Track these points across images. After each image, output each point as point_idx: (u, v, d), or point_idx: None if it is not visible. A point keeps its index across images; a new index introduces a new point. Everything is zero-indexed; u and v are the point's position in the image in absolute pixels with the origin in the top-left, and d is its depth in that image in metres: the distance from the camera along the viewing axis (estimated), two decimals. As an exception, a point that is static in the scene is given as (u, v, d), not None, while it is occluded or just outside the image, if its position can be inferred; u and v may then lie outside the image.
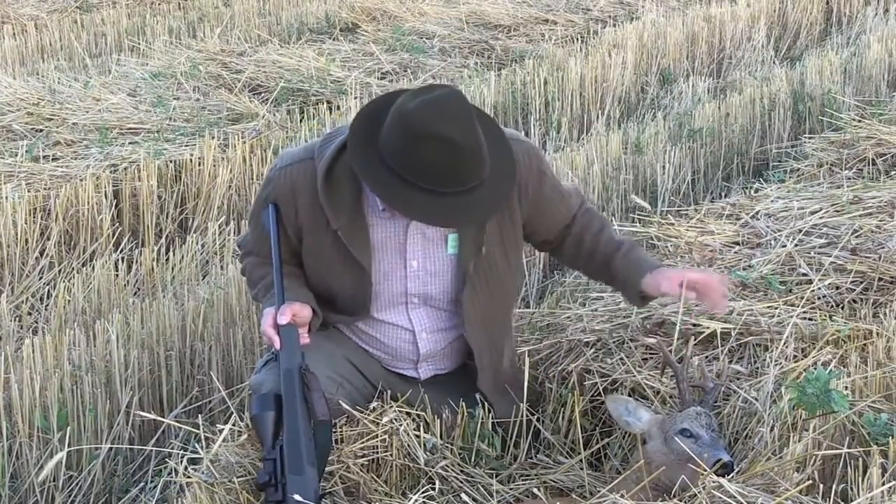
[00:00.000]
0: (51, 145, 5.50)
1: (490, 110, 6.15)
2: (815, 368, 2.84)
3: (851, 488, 2.58)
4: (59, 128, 5.69)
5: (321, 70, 6.72)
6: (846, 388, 2.87)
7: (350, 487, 2.82)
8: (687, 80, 6.89)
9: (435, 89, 2.68)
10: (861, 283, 3.59)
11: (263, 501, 2.59)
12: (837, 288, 3.57)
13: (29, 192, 4.88)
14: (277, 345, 2.72)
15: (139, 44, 7.87)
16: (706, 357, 3.18)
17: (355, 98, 6.24)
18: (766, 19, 7.95)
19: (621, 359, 3.20)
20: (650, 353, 3.22)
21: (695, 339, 3.19)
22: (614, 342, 3.28)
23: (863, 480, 2.56)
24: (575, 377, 3.19)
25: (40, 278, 4.53)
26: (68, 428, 3.28)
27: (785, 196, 4.45)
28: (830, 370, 2.77)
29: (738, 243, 4.01)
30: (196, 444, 2.82)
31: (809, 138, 5.53)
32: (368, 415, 2.89)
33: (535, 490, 2.76)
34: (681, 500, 2.51)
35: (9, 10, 9.17)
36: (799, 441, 2.67)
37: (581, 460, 2.92)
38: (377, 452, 2.86)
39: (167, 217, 5.10)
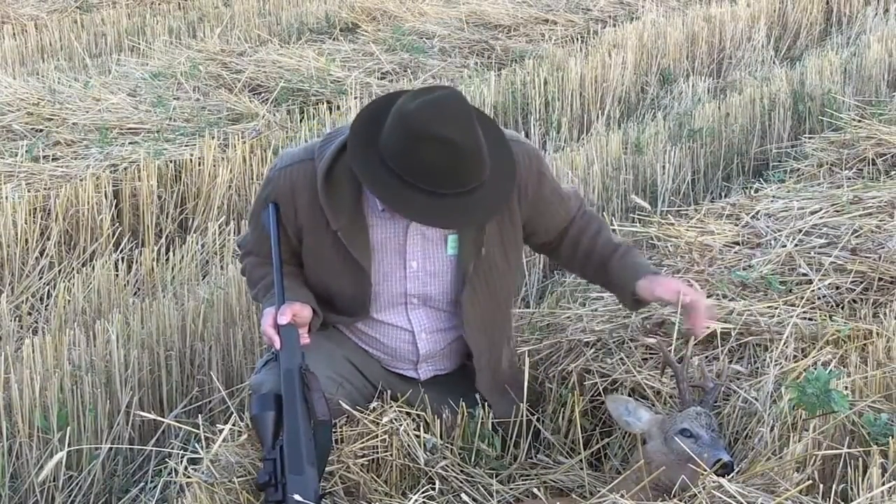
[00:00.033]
0: (51, 145, 5.50)
1: (490, 110, 6.16)
2: (815, 368, 2.84)
3: (851, 488, 2.58)
4: (59, 128, 5.69)
5: (321, 70, 6.72)
6: (846, 388, 2.87)
7: (350, 487, 2.82)
8: (687, 80, 6.89)
9: (435, 90, 2.68)
10: (861, 283, 3.59)
11: (263, 501, 2.59)
12: (837, 288, 3.57)
13: (29, 192, 4.88)
14: (277, 345, 2.72)
15: (139, 44, 7.87)
16: (706, 357, 3.18)
17: (355, 98, 6.24)
18: (766, 19, 7.96)
19: (621, 359, 3.19)
20: (650, 353, 3.22)
21: (695, 339, 3.19)
22: (614, 342, 3.28)
23: (863, 480, 2.56)
24: (575, 377, 3.19)
25: (40, 278, 4.53)
26: (68, 428, 3.28)
27: (785, 196, 4.45)
28: (830, 370, 2.77)
29: (738, 243, 4.01)
30: (196, 444, 2.82)
31: (809, 138, 5.53)
32: (368, 415, 2.89)
33: (535, 490, 2.76)
34: (681, 500, 2.51)
35: (9, 10, 9.17)
36: (799, 441, 2.67)
37: (581, 460, 2.92)
38: (377, 452, 2.86)
39: (167, 217, 5.10)
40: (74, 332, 3.76)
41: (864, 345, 3.20)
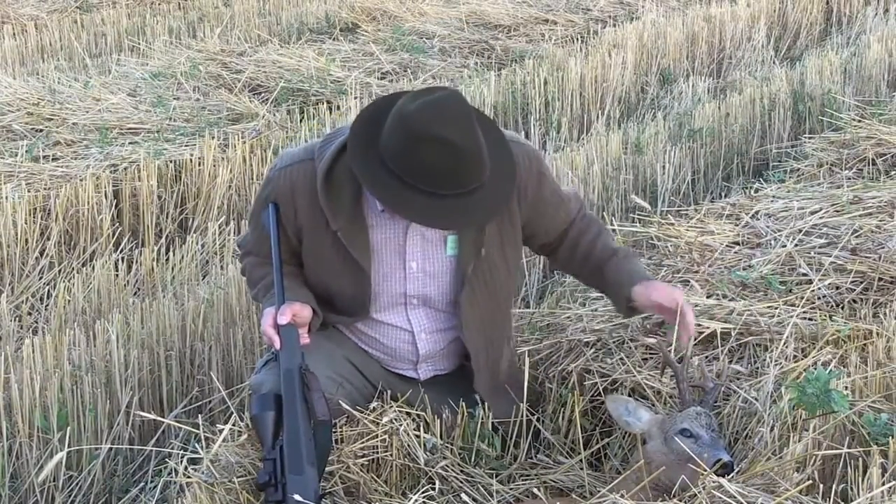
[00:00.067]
0: (51, 145, 5.50)
1: (490, 110, 6.16)
2: (815, 368, 2.84)
3: (851, 488, 2.58)
4: (59, 128, 5.69)
5: (321, 70, 6.72)
6: (846, 388, 2.87)
7: (350, 487, 2.82)
8: (687, 80, 6.89)
9: (435, 91, 2.68)
10: (861, 283, 3.59)
11: (263, 501, 2.59)
12: (837, 288, 3.57)
13: (29, 192, 4.88)
14: (277, 345, 2.72)
15: (139, 44, 7.87)
16: (706, 357, 3.18)
17: (355, 98, 6.24)
18: (766, 19, 7.96)
19: (621, 359, 3.19)
20: (650, 353, 3.22)
21: (695, 339, 3.19)
22: (614, 342, 3.28)
23: (863, 480, 2.56)
24: (575, 377, 3.19)
25: (40, 278, 4.53)
26: (68, 428, 3.28)
27: (785, 196, 4.45)
28: (830, 370, 2.77)
29: (738, 243, 4.01)
30: (196, 444, 2.82)
31: (809, 138, 5.53)
32: (368, 415, 2.89)
33: (535, 490, 2.76)
34: (681, 500, 2.51)
35: (9, 10, 9.17)
36: (799, 441, 2.67)
37: (581, 460, 2.92)
38: (377, 452, 2.86)
39: (167, 217, 5.10)
40: (74, 332, 3.76)
41: (864, 345, 3.20)
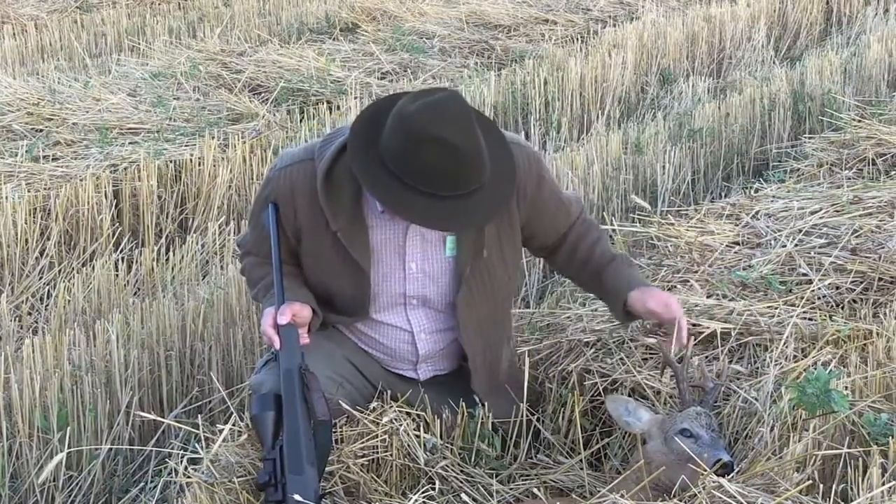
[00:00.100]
0: (51, 145, 5.50)
1: (490, 110, 6.16)
2: (815, 368, 2.84)
3: (851, 488, 2.58)
4: (59, 128, 5.69)
5: (321, 70, 6.72)
6: (846, 388, 2.87)
7: (350, 487, 2.82)
8: (687, 80, 6.89)
9: (435, 92, 2.68)
10: (861, 283, 3.59)
11: (263, 501, 2.59)
12: (837, 288, 3.57)
13: (29, 192, 4.89)
14: (277, 345, 2.72)
15: (139, 44, 7.87)
16: (706, 357, 3.18)
17: (355, 98, 6.24)
18: (766, 19, 7.96)
19: (621, 359, 3.20)
20: (650, 353, 3.22)
21: (695, 339, 3.19)
22: (614, 342, 3.28)
23: (863, 480, 2.56)
24: (575, 377, 3.19)
25: (40, 278, 4.53)
26: (68, 428, 3.28)
27: (785, 196, 4.45)
28: (830, 370, 2.77)
29: (738, 243, 4.01)
30: (196, 444, 2.82)
31: (809, 138, 5.53)
32: (368, 415, 2.89)
33: (535, 490, 2.76)
34: (681, 500, 2.51)
35: (9, 10, 9.17)
36: (799, 441, 2.67)
37: (581, 460, 2.92)
38: (377, 452, 2.86)
39: (167, 217, 5.10)
40: (74, 332, 3.76)
41: (864, 345, 3.20)
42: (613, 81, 6.61)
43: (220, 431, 2.77)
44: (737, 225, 4.14)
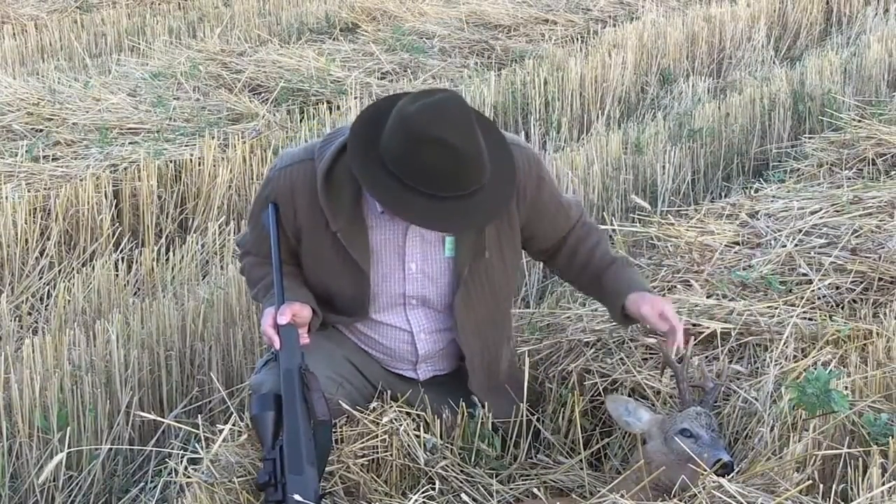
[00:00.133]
0: (51, 145, 5.50)
1: (490, 110, 6.16)
2: (815, 368, 2.84)
3: (851, 488, 2.58)
4: (59, 128, 5.70)
5: (321, 70, 6.72)
6: (846, 388, 2.87)
7: (350, 487, 2.82)
8: (687, 80, 6.89)
9: (435, 93, 2.68)
10: (861, 283, 3.59)
11: (263, 501, 2.59)
12: (837, 288, 3.57)
13: (29, 192, 4.89)
14: (277, 345, 2.72)
15: (139, 44, 7.87)
16: (706, 357, 3.18)
17: (355, 98, 6.24)
18: (766, 19, 7.96)
19: (621, 359, 3.20)
20: (650, 353, 3.23)
21: (695, 339, 3.19)
22: (614, 342, 3.28)
23: (863, 480, 2.56)
24: (575, 377, 3.19)
25: (40, 278, 4.53)
26: (68, 428, 3.28)
27: (785, 196, 4.45)
28: (830, 370, 2.77)
29: (738, 243, 4.01)
30: (196, 444, 2.82)
31: (809, 138, 5.53)
32: (368, 415, 2.89)
33: (535, 490, 2.76)
34: (681, 500, 2.51)
35: (9, 10, 9.17)
36: (799, 441, 2.67)
37: (581, 460, 2.92)
38: (377, 452, 2.86)
39: (167, 217, 5.10)
40: (74, 332, 3.76)
41: (864, 345, 3.20)
42: (613, 81, 6.61)
43: (220, 431, 2.77)
44: (737, 225, 4.14)
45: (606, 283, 3.02)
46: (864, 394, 2.94)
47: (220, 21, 8.61)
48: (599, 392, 3.13)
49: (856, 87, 6.63)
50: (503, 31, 7.95)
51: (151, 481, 3.28)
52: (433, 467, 2.84)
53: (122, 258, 4.59)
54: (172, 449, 2.95)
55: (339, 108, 6.15)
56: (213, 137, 5.45)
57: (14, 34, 8.51)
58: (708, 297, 3.49)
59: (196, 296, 4.08)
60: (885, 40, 7.05)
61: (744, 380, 3.06)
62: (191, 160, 5.25)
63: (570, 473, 2.92)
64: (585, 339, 3.32)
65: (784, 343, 3.16)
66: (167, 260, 4.57)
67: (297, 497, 2.50)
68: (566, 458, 3.01)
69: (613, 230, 4.25)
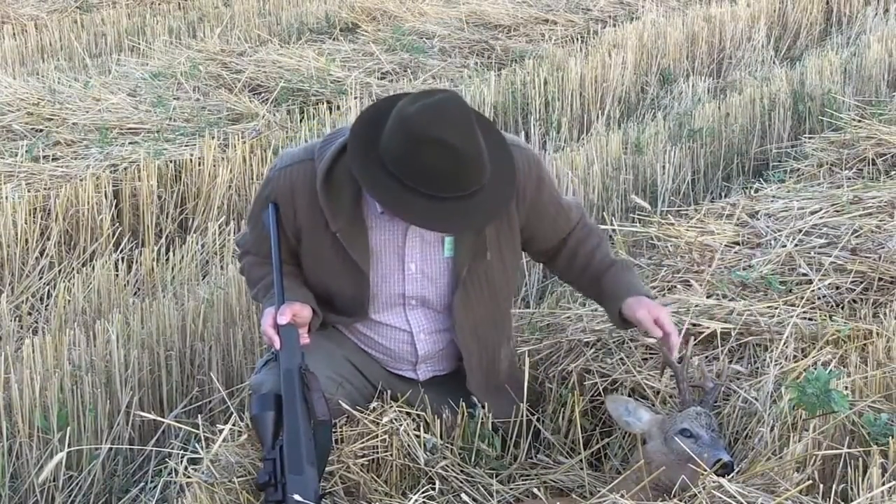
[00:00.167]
0: (51, 145, 5.50)
1: (490, 110, 6.16)
2: (815, 368, 2.84)
3: (851, 488, 2.58)
4: (59, 128, 5.70)
5: (321, 70, 6.72)
6: (846, 388, 2.87)
7: (350, 487, 2.82)
8: (687, 80, 6.89)
9: (435, 94, 2.68)
10: (861, 283, 3.59)
11: (263, 501, 2.59)
12: (837, 288, 3.57)
13: (29, 192, 4.89)
14: (277, 345, 2.72)
15: (139, 44, 7.87)
16: (706, 357, 3.18)
17: (355, 98, 6.24)
18: (766, 19, 7.96)
19: (621, 359, 3.20)
20: (650, 353, 3.22)
21: (695, 339, 3.19)
22: (614, 342, 3.28)
23: (863, 480, 2.56)
24: (575, 377, 3.19)
25: (40, 278, 4.53)
26: (68, 428, 3.28)
27: (785, 196, 4.45)
28: (830, 370, 2.77)
29: (738, 243, 4.01)
30: (196, 444, 2.82)
31: (809, 138, 5.53)
32: (368, 415, 2.89)
33: (535, 490, 2.76)
34: (681, 500, 2.51)
35: (9, 10, 9.17)
36: (799, 441, 2.67)
37: (581, 460, 2.92)
38: (377, 452, 2.86)
39: (167, 217, 5.10)
40: (74, 332, 3.76)
41: (864, 345, 3.20)
42: (613, 81, 6.61)
43: (220, 431, 2.77)
44: (737, 225, 4.14)
45: (605, 285, 3.02)
46: (864, 394, 2.94)
47: (220, 21, 8.62)
48: (599, 392, 3.13)
49: (856, 87, 6.63)
50: (503, 31, 7.95)
51: (151, 481, 3.28)
52: (433, 467, 2.84)
53: (122, 258, 4.59)
54: (172, 449, 2.95)
55: (339, 108, 6.15)
56: (213, 137, 5.45)
57: (14, 34, 8.51)
58: (708, 297, 3.49)
59: (196, 296, 4.08)
60: (885, 40, 7.05)
61: (744, 380, 3.06)
62: (191, 160, 5.25)
63: (570, 473, 2.92)
64: (585, 339, 3.32)
65: (784, 343, 3.16)
66: (167, 260, 4.57)
67: (297, 497, 2.50)
68: (566, 458, 3.01)
69: (613, 230, 4.25)
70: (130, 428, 3.47)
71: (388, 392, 2.99)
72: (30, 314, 4.27)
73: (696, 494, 2.47)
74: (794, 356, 3.13)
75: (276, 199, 2.86)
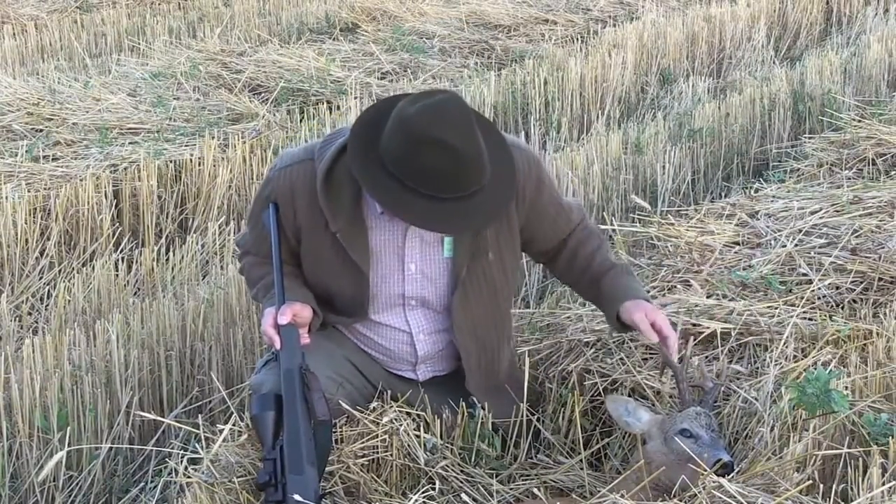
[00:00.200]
0: (51, 145, 5.50)
1: (490, 110, 6.16)
2: (815, 368, 2.84)
3: (851, 488, 2.58)
4: (59, 128, 5.70)
5: (321, 70, 6.72)
6: (846, 388, 2.87)
7: (350, 487, 2.82)
8: (687, 80, 6.90)
9: (435, 94, 2.67)
10: (861, 283, 3.59)
11: (263, 501, 2.59)
12: (837, 288, 3.57)
13: (29, 192, 4.89)
14: (278, 345, 2.72)
15: (139, 44, 7.87)
16: (706, 357, 3.18)
17: (355, 98, 6.24)
18: (766, 19, 7.96)
19: (621, 359, 3.20)
20: (650, 353, 3.22)
21: (695, 339, 3.19)
22: (614, 342, 3.28)
23: (863, 480, 2.56)
24: (575, 377, 3.19)
25: (40, 278, 4.53)
26: (68, 428, 3.28)
27: (785, 196, 4.45)
28: (830, 370, 2.77)
29: (738, 243, 4.01)
30: (196, 444, 2.82)
31: (809, 138, 5.53)
32: (368, 415, 2.89)
33: (535, 490, 2.76)
34: (681, 500, 2.51)
35: (9, 10, 9.17)
36: (799, 441, 2.67)
37: (581, 460, 2.92)
38: (377, 452, 2.86)
39: (167, 217, 5.10)
40: (74, 332, 3.76)
41: (864, 345, 3.20)
42: (613, 81, 6.61)
43: (220, 431, 2.77)
44: (737, 225, 4.14)
45: (604, 288, 3.01)
46: (864, 394, 2.94)
47: (220, 21, 8.62)
48: (599, 392, 3.13)
49: (856, 87, 6.63)
50: (503, 31, 7.95)
51: (151, 481, 3.28)
52: (433, 467, 2.84)
53: (122, 258, 4.60)
54: (172, 449, 2.95)
55: (339, 108, 6.15)
56: (213, 137, 5.45)
57: (14, 34, 8.52)
58: (708, 297, 3.49)
59: (196, 296, 4.08)
60: (885, 40, 7.05)
61: (744, 380, 3.06)
62: (191, 160, 5.25)
63: (570, 473, 2.92)
64: (585, 339, 3.32)
65: (784, 343, 3.16)
66: (167, 260, 4.57)
67: (297, 497, 2.50)
68: (566, 458, 3.01)
69: (613, 230, 4.25)
70: (130, 428, 3.47)
71: (388, 392, 2.99)
72: (30, 314, 4.27)
73: (696, 494, 2.47)
74: (794, 356, 3.13)
75: (275, 199, 2.86)
